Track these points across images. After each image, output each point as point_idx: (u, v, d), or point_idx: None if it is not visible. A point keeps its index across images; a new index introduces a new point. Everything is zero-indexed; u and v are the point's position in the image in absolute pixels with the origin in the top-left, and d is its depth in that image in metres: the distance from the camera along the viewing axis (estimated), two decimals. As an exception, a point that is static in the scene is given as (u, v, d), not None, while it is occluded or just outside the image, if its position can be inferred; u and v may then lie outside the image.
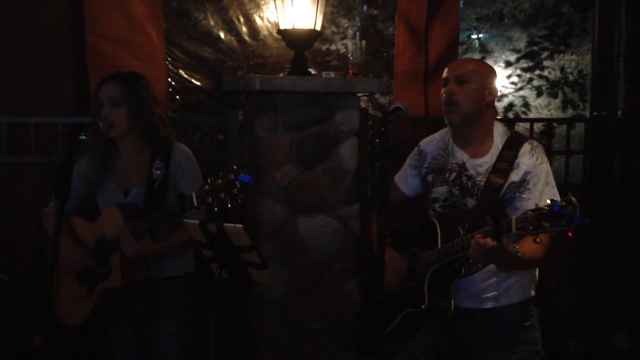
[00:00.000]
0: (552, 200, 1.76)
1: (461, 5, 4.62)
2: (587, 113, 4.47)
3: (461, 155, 2.30)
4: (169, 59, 3.75)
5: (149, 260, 2.35)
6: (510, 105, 5.21)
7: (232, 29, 3.94)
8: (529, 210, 1.81)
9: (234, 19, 3.93)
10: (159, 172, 2.35)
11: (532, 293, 2.31)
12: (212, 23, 3.91)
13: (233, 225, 2.02)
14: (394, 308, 2.31)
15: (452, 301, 2.17)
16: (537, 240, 1.81)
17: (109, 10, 3.18)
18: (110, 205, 2.37)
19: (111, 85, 2.36)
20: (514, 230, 1.84)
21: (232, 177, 2.05)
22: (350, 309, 3.43)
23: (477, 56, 5.25)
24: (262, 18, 3.95)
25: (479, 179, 2.23)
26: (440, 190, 2.34)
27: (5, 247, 3.06)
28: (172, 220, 2.27)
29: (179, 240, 2.36)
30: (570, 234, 1.75)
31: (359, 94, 3.41)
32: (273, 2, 3.31)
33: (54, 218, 2.10)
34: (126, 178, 2.42)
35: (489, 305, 2.25)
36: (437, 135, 2.48)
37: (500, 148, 2.24)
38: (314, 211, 3.32)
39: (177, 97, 3.89)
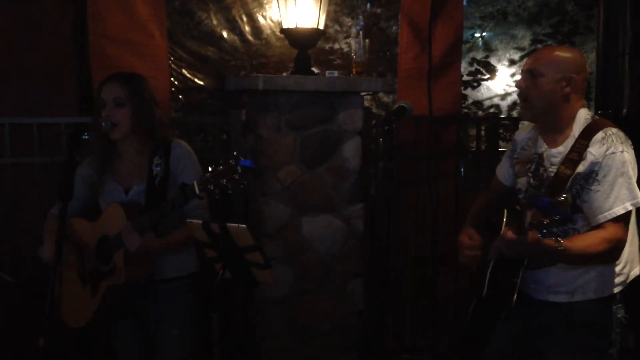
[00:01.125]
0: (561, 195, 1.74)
1: (465, 4, 4.60)
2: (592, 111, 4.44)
3: (541, 145, 2.24)
4: (172, 58, 3.74)
5: (153, 257, 2.35)
6: (514, 104, 5.18)
7: (235, 28, 3.93)
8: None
9: (237, 18, 3.92)
10: (159, 168, 2.35)
11: (614, 291, 2.16)
12: (215, 22, 3.90)
13: (237, 225, 2.02)
14: (471, 297, 2.29)
15: (515, 294, 2.10)
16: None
17: (112, 11, 3.17)
18: (112, 202, 2.36)
19: (115, 85, 2.36)
20: (526, 224, 1.81)
21: (233, 163, 2.04)
22: (353, 309, 3.42)
23: (480, 54, 5.23)
24: (265, 17, 3.94)
25: (551, 169, 2.16)
26: (521, 181, 2.29)
27: (8, 248, 3.05)
28: (175, 212, 2.25)
29: (183, 236, 2.35)
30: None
31: (363, 93, 3.40)
32: (276, 1, 3.30)
33: (54, 220, 2.08)
34: (127, 177, 2.41)
35: (562, 299, 2.16)
36: (530, 124, 2.39)
37: (576, 137, 2.13)
38: (317, 211, 3.31)
39: (180, 96, 3.88)
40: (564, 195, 1.84)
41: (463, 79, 4.43)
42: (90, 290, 2.37)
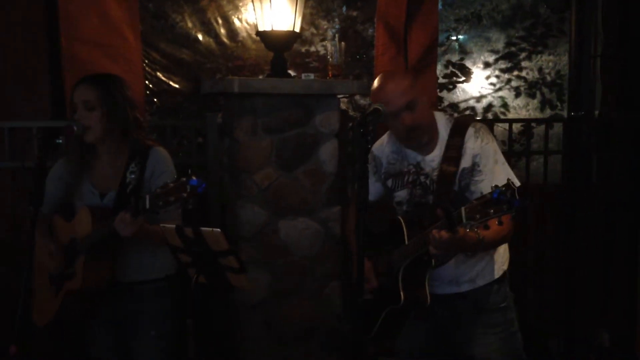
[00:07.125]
0: (494, 187, 1.80)
1: (440, 7, 4.64)
2: (565, 113, 4.50)
3: (415, 156, 2.32)
4: (147, 61, 3.71)
5: (115, 266, 2.32)
6: (489, 106, 5.24)
7: (210, 30, 3.92)
8: (475, 199, 1.86)
9: (212, 20, 3.91)
10: (133, 176, 2.33)
11: (504, 268, 2.35)
12: (189, 25, 3.88)
13: (210, 229, 2.00)
14: (375, 308, 2.32)
15: (428, 293, 2.19)
16: (494, 223, 1.85)
17: (85, 13, 3.14)
18: (84, 206, 2.34)
19: (85, 88, 2.33)
20: (464, 220, 1.87)
21: (184, 181, 2.00)
22: (332, 312, 3.42)
23: (455, 57, 5.27)
24: (240, 20, 3.93)
25: (435, 173, 2.25)
26: (401, 194, 2.36)
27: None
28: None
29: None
30: (509, 217, 1.82)
31: (339, 96, 3.40)
32: (251, 3, 3.29)
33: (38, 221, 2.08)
34: (104, 181, 2.39)
35: (466, 288, 2.30)
36: (385, 138, 2.46)
37: (446, 138, 2.26)
38: (294, 214, 3.31)
39: (155, 100, 3.85)
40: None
41: (439, 81, 4.46)
42: (55, 290, 2.35)
